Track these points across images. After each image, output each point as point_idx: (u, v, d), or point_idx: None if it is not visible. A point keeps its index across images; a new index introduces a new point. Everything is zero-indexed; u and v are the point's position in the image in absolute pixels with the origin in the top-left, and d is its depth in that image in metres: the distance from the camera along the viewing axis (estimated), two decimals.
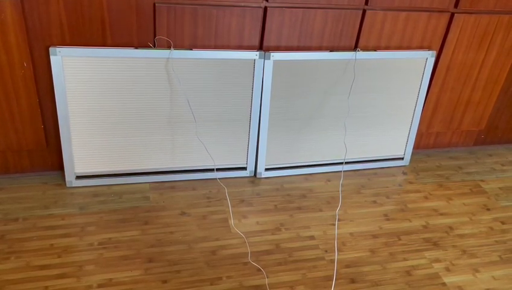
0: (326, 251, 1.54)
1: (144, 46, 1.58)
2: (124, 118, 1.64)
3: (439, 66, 1.89)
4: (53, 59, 1.49)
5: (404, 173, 2.01)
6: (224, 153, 1.80)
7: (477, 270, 1.53)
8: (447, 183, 1.97)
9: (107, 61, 1.54)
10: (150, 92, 1.62)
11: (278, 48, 1.70)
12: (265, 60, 1.66)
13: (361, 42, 1.76)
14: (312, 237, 1.59)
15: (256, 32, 1.65)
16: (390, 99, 1.89)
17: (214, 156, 1.79)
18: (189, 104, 1.67)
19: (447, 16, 1.79)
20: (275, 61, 1.67)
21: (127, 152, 1.70)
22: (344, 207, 1.76)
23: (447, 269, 1.52)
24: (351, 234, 1.63)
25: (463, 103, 2.03)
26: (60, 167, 1.74)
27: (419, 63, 1.85)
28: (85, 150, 1.66)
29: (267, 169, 1.86)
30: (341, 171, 1.94)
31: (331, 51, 1.72)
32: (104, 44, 1.54)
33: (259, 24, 1.64)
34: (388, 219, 1.72)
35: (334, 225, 1.66)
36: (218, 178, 1.81)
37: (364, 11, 1.71)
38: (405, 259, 1.55)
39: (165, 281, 1.37)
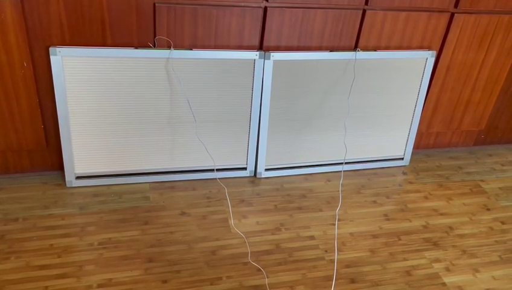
0: (326, 251, 1.54)
1: (144, 46, 1.58)
2: (124, 118, 1.64)
3: (439, 66, 1.89)
4: (53, 59, 1.49)
5: (404, 173, 2.01)
6: (224, 153, 1.80)
7: (477, 270, 1.53)
8: (447, 183, 1.97)
9: (107, 61, 1.54)
10: (149, 92, 1.62)
11: (278, 48, 1.70)
12: (265, 60, 1.66)
13: (361, 42, 1.76)
14: (312, 237, 1.59)
15: (256, 32, 1.65)
16: (390, 99, 1.89)
17: (213, 157, 1.79)
18: (189, 104, 1.67)
19: (447, 16, 1.79)
20: (275, 61, 1.67)
21: (127, 152, 1.70)
22: (344, 207, 1.76)
23: (447, 269, 1.52)
24: (351, 234, 1.63)
25: (463, 103, 2.03)
26: (60, 167, 1.74)
27: (419, 63, 1.85)
28: (85, 150, 1.66)
29: (267, 169, 1.87)
30: (341, 171, 1.94)
31: (331, 51, 1.72)
32: (104, 44, 1.54)
33: (259, 24, 1.64)
34: (388, 219, 1.72)
35: (334, 225, 1.66)
36: (218, 178, 1.81)
37: (364, 11, 1.71)
38: (405, 259, 1.55)
39: (165, 281, 1.37)
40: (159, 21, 1.54)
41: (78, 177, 1.71)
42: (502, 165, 2.15)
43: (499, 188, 1.98)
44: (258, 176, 1.86)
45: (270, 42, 1.68)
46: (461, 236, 1.68)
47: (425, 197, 1.86)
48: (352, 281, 1.44)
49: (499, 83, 2.01)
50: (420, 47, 1.84)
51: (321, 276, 1.44)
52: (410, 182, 1.95)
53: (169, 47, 1.59)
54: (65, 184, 1.70)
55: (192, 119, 1.70)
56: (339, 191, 1.84)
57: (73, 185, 1.70)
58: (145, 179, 1.76)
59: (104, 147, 1.67)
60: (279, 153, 1.86)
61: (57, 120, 1.61)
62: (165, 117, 1.68)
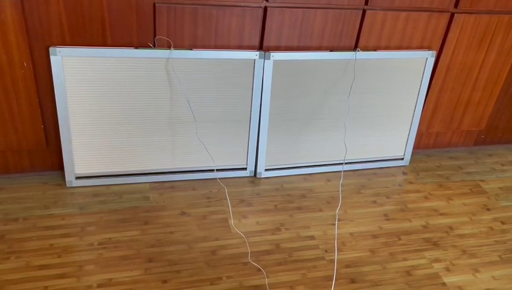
0: (326, 251, 1.54)
1: (144, 46, 1.58)
2: (124, 118, 1.64)
3: (439, 66, 1.89)
4: (53, 59, 1.49)
5: (404, 173, 2.01)
6: (224, 153, 1.80)
7: (477, 270, 1.53)
8: (447, 183, 1.97)
9: (107, 61, 1.54)
10: (150, 92, 1.62)
11: (278, 48, 1.70)
12: (265, 60, 1.66)
13: (361, 42, 1.76)
14: (312, 237, 1.59)
15: (256, 32, 1.65)
16: (390, 99, 1.89)
17: (213, 157, 1.79)
18: (189, 104, 1.67)
19: (447, 16, 1.79)
20: (275, 61, 1.67)
21: (127, 153, 1.70)
22: (344, 207, 1.76)
23: (447, 269, 1.52)
24: (351, 234, 1.63)
25: (463, 103, 2.03)
26: (60, 167, 1.74)
27: (419, 63, 1.85)
28: (85, 151, 1.66)
29: (267, 169, 1.87)
30: (341, 171, 1.94)
31: (331, 51, 1.72)
32: (104, 44, 1.54)
33: (259, 24, 1.64)
34: (388, 219, 1.72)
35: (334, 225, 1.66)
36: (218, 178, 1.81)
37: (364, 11, 1.71)
38: (405, 259, 1.55)
39: (165, 281, 1.37)
40: (159, 21, 1.55)
41: (78, 177, 1.71)
42: (502, 165, 2.15)
43: (499, 188, 1.98)
44: (258, 176, 1.86)
45: (270, 42, 1.68)
46: (461, 236, 1.68)
47: (425, 197, 1.86)
48: (352, 281, 1.44)
49: (499, 83, 2.01)
50: (420, 47, 1.84)
51: (321, 276, 1.44)
52: (410, 182, 1.95)
53: (169, 47, 1.59)
54: (65, 184, 1.70)
55: (192, 119, 1.70)
56: (339, 191, 1.84)
57: (73, 185, 1.70)
58: (145, 179, 1.76)
59: (104, 147, 1.67)
60: (279, 153, 1.86)
61: (57, 120, 1.61)
62: (165, 117, 1.68)
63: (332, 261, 1.50)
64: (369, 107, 1.87)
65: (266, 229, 1.60)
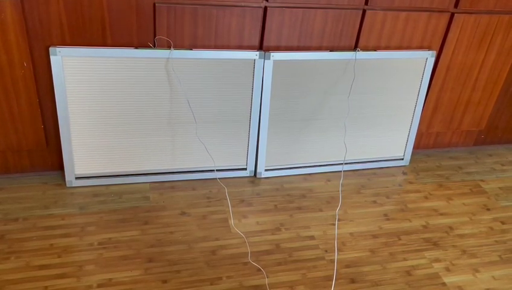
0: (326, 251, 1.54)
1: (144, 46, 1.58)
2: (124, 118, 1.64)
3: (439, 66, 1.89)
4: (53, 59, 1.49)
5: (404, 173, 2.01)
6: (224, 153, 1.80)
7: (477, 270, 1.53)
8: (447, 183, 1.97)
9: (107, 61, 1.54)
10: (150, 92, 1.62)
11: (278, 48, 1.70)
12: (265, 60, 1.66)
13: (361, 42, 1.76)
14: (312, 237, 1.59)
15: (256, 32, 1.65)
16: (390, 99, 1.89)
17: (213, 157, 1.78)
18: (189, 104, 1.67)
19: (447, 16, 1.79)
20: (275, 61, 1.67)
21: (127, 153, 1.70)
22: (344, 207, 1.76)
23: (447, 269, 1.52)
24: (351, 234, 1.63)
25: (463, 103, 2.03)
26: (60, 167, 1.74)
27: (419, 63, 1.85)
28: (85, 151, 1.66)
29: (267, 169, 1.86)
30: (341, 171, 1.94)
31: (331, 51, 1.72)
32: (104, 44, 1.54)
33: (259, 24, 1.64)
34: (388, 219, 1.72)
35: (334, 225, 1.66)
36: (218, 178, 1.81)
37: (364, 11, 1.71)
38: (405, 259, 1.55)
39: (165, 281, 1.37)
40: (159, 21, 1.54)
41: (78, 177, 1.71)
42: (502, 165, 2.15)
43: (499, 188, 1.98)
44: (258, 176, 1.86)
45: (270, 42, 1.68)
46: (461, 236, 1.68)
47: (425, 197, 1.86)
48: (352, 281, 1.44)
49: (499, 83, 2.01)
50: (420, 47, 1.84)
51: (321, 276, 1.44)
52: (410, 182, 1.95)
53: (169, 47, 1.59)
54: (65, 184, 1.70)
55: (192, 120, 1.70)
56: (338, 191, 1.84)
57: (73, 185, 1.70)
58: (145, 179, 1.76)
59: (104, 147, 1.67)
60: (279, 153, 1.86)
61: (57, 120, 1.61)
62: (165, 117, 1.68)
63: (332, 261, 1.50)
64: (369, 107, 1.87)
65: (266, 229, 1.60)
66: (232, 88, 1.69)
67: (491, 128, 2.20)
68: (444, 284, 1.47)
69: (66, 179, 1.69)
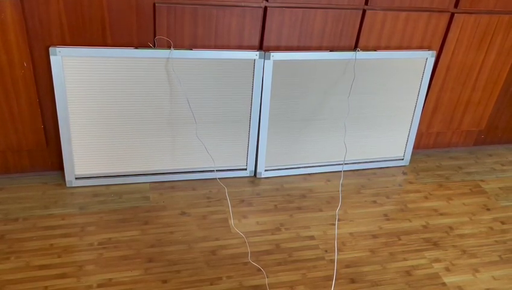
0: (326, 251, 1.54)
1: (144, 46, 1.58)
2: (124, 118, 1.64)
3: (439, 66, 1.89)
4: (53, 59, 1.49)
5: (404, 173, 2.01)
6: (224, 154, 1.80)
7: (477, 270, 1.53)
8: (447, 183, 1.97)
9: (107, 61, 1.54)
10: (149, 92, 1.62)
11: (278, 48, 1.70)
12: (265, 60, 1.66)
13: (361, 42, 1.76)
14: (312, 237, 1.59)
15: (256, 32, 1.65)
16: (390, 99, 1.89)
17: (214, 157, 1.78)
18: (189, 104, 1.67)
19: (447, 16, 1.79)
20: (275, 61, 1.67)
21: (127, 153, 1.70)
22: (344, 207, 1.76)
23: (447, 269, 1.52)
24: (351, 234, 1.63)
25: (463, 103, 2.03)
26: (60, 167, 1.74)
27: (419, 63, 1.85)
28: (85, 151, 1.66)
29: (267, 169, 1.86)
30: (341, 171, 1.94)
31: (331, 51, 1.72)
32: (104, 44, 1.54)
33: (259, 24, 1.64)
34: (388, 219, 1.72)
35: (334, 225, 1.66)
36: (218, 178, 1.81)
37: (364, 11, 1.71)
38: (405, 259, 1.54)
39: (165, 281, 1.37)
40: (159, 21, 1.55)
41: (78, 177, 1.71)
42: (502, 165, 2.15)
43: (499, 188, 1.98)
44: (258, 176, 1.86)
45: (270, 42, 1.68)
46: (461, 236, 1.68)
47: (425, 197, 1.86)
48: (352, 281, 1.44)
49: (499, 83, 2.01)
50: (420, 47, 1.84)
51: (321, 276, 1.44)
52: (410, 182, 1.95)
53: (169, 47, 1.59)
54: (65, 184, 1.70)
55: (192, 120, 1.70)
56: (338, 191, 1.84)
57: (73, 185, 1.70)
58: (145, 179, 1.76)
59: (104, 148, 1.67)
60: (279, 153, 1.86)
61: (57, 120, 1.60)
62: (165, 117, 1.68)
63: (332, 261, 1.50)
64: (369, 107, 1.87)
65: (266, 229, 1.60)
66: (232, 88, 1.69)
67: (491, 128, 2.20)
68: (444, 284, 1.47)
69: (66, 179, 1.69)
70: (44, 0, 1.43)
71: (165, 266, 1.42)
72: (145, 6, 1.51)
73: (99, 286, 1.33)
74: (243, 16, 1.60)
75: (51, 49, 1.48)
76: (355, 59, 1.75)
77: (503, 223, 1.77)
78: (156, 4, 1.52)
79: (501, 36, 1.88)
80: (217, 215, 1.64)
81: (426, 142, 2.15)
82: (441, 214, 1.78)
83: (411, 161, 2.08)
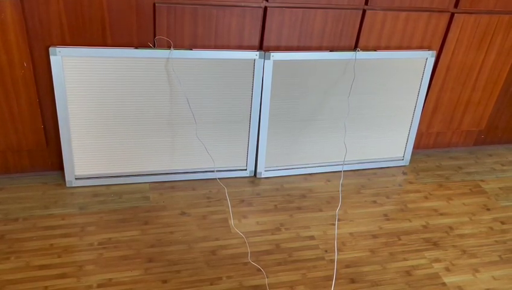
0: (326, 251, 1.54)
1: (144, 46, 1.58)
2: (124, 118, 1.64)
3: (439, 66, 1.89)
4: (53, 59, 1.49)
5: (404, 173, 2.01)
6: (224, 154, 1.80)
7: (477, 270, 1.53)
8: (447, 183, 1.97)
9: (107, 61, 1.54)
10: (149, 92, 1.62)
11: (278, 48, 1.70)
12: (265, 60, 1.66)
13: (361, 42, 1.76)
14: (312, 237, 1.59)
15: (256, 32, 1.65)
16: (390, 99, 1.89)
17: (213, 157, 1.78)
18: (189, 104, 1.67)
19: (447, 16, 1.79)
20: (275, 61, 1.67)
21: (127, 153, 1.70)
22: (344, 207, 1.76)
23: (447, 269, 1.52)
24: (351, 234, 1.63)
25: (463, 103, 2.03)
26: (60, 167, 1.74)
27: (419, 63, 1.85)
28: (85, 151, 1.66)
29: (267, 169, 1.86)
30: (341, 171, 1.94)
31: (331, 51, 1.72)
32: (104, 44, 1.54)
33: (259, 24, 1.64)
34: (388, 219, 1.72)
35: (334, 225, 1.66)
36: (218, 178, 1.81)
37: (364, 11, 1.71)
38: (405, 259, 1.55)
39: (165, 281, 1.37)
40: (159, 21, 1.55)
41: (78, 178, 1.71)
42: (502, 165, 2.15)
43: (499, 188, 1.98)
44: (258, 176, 1.86)
45: (270, 42, 1.68)
46: (461, 236, 1.68)
47: (425, 197, 1.86)
48: (352, 281, 1.44)
49: (499, 83, 2.01)
50: (420, 47, 1.84)
51: (321, 276, 1.44)
52: (410, 182, 1.95)
53: (169, 47, 1.59)
54: (65, 184, 1.70)
55: (192, 120, 1.70)
56: (338, 191, 1.84)
57: (73, 185, 1.70)
58: (145, 179, 1.76)
59: (104, 148, 1.67)
60: (279, 153, 1.86)
61: (57, 120, 1.60)
62: (165, 117, 1.68)
63: (332, 261, 1.50)
64: (369, 108, 1.87)
65: (266, 229, 1.60)
66: (232, 88, 1.69)
67: (491, 128, 2.20)
68: (444, 284, 1.47)
69: (66, 179, 1.69)
70: (44, 0, 1.43)
71: (165, 266, 1.42)
72: (145, 6, 1.51)
73: (99, 286, 1.33)
74: (243, 16, 1.60)
75: (51, 49, 1.48)
76: (355, 59, 1.75)
77: (503, 223, 1.77)
78: (156, 4, 1.52)
79: (501, 36, 1.88)
80: (217, 215, 1.64)
81: (426, 142, 2.15)
82: (441, 214, 1.78)
83: (411, 161, 2.08)
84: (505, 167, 2.13)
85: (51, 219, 1.55)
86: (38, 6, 1.43)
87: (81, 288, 1.32)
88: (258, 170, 1.85)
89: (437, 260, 1.56)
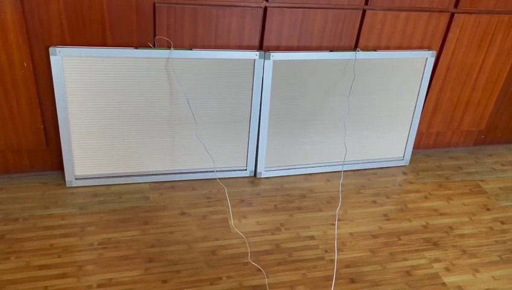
0: (326, 251, 1.54)
1: (144, 46, 1.58)
2: (124, 118, 1.64)
3: (439, 66, 1.89)
4: (53, 59, 1.49)
5: (404, 173, 2.01)
6: (224, 154, 1.80)
7: (477, 270, 1.53)
8: (447, 183, 1.97)
9: (107, 61, 1.54)
10: (149, 92, 1.62)
11: (278, 48, 1.70)
12: (265, 60, 1.66)
13: (361, 42, 1.76)
14: (312, 237, 1.59)
15: (256, 32, 1.65)
16: (390, 99, 1.89)
17: (213, 158, 1.78)
18: (189, 104, 1.67)
19: (447, 16, 1.79)
20: (275, 61, 1.67)
21: (127, 154, 1.70)
22: (344, 207, 1.76)
23: (447, 269, 1.52)
24: (351, 234, 1.63)
25: (463, 103, 2.03)
26: (60, 167, 1.74)
27: (419, 63, 1.85)
28: (85, 152, 1.66)
29: (267, 169, 1.86)
30: (341, 171, 1.94)
31: (331, 51, 1.72)
32: (104, 44, 1.54)
33: (259, 24, 1.64)
34: (388, 219, 1.72)
35: (334, 225, 1.66)
36: (218, 178, 1.81)
37: (364, 11, 1.71)
38: (405, 259, 1.55)
39: (165, 281, 1.37)
40: (159, 21, 1.55)
41: (78, 178, 1.71)
42: (502, 165, 2.15)
43: (499, 188, 1.98)
44: (258, 176, 1.86)
45: (270, 42, 1.68)
46: (461, 236, 1.68)
47: (425, 197, 1.86)
48: (352, 281, 1.44)
49: (499, 83, 2.01)
50: (420, 47, 1.84)
51: (321, 276, 1.44)
52: (410, 182, 1.95)
53: (169, 47, 1.59)
54: (65, 184, 1.70)
55: (192, 120, 1.70)
56: (338, 191, 1.84)
57: (73, 185, 1.70)
58: (145, 179, 1.76)
59: (104, 148, 1.67)
60: (279, 153, 1.86)
61: (57, 120, 1.60)
62: (165, 117, 1.68)
63: (332, 261, 1.50)
64: (369, 108, 1.87)
65: (266, 229, 1.60)
66: (232, 88, 1.69)
67: (491, 128, 2.20)
68: (444, 284, 1.47)
69: (66, 179, 1.69)
70: (44, 0, 1.43)
71: (165, 266, 1.42)
72: (145, 6, 1.51)
73: (99, 286, 1.33)
74: (243, 16, 1.60)
75: (50, 49, 1.48)
76: (355, 59, 1.75)
77: (503, 223, 1.77)
78: (156, 4, 1.52)
79: (501, 36, 1.88)
80: (217, 215, 1.64)
81: (426, 142, 2.15)
82: (441, 214, 1.78)
83: (411, 161, 2.08)
84: (505, 167, 2.13)
85: (51, 219, 1.55)
86: (38, 6, 1.43)
87: (81, 288, 1.32)
88: (258, 170, 1.85)
89: (437, 260, 1.56)
